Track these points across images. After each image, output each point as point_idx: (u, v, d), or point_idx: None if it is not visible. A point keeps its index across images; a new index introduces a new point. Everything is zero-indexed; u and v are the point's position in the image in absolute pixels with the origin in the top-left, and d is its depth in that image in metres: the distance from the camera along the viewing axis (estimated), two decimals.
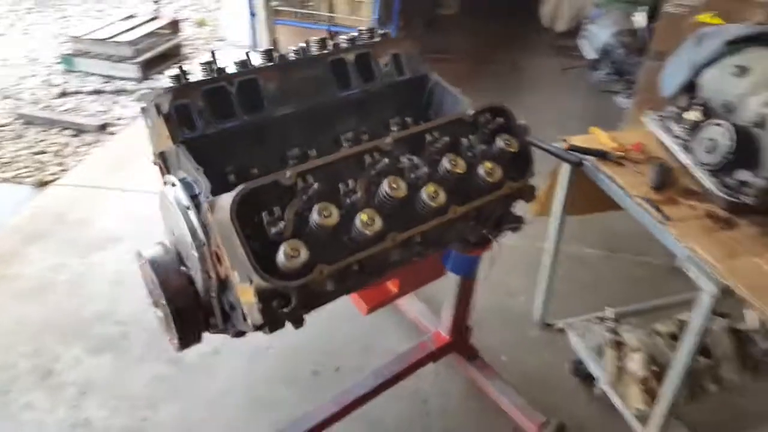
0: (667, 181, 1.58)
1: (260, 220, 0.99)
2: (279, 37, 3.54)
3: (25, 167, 3.28)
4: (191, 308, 1.16)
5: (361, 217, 1.01)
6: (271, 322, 1.02)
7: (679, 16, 2.86)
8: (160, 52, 4.61)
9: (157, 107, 1.17)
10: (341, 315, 2.28)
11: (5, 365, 2.06)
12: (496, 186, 1.21)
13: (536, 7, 5.74)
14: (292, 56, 1.36)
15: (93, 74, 4.41)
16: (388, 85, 1.44)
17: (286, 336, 2.14)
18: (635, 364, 1.84)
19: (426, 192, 1.09)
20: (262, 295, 0.96)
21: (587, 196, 1.87)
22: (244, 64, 1.30)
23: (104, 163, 3.31)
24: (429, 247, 1.20)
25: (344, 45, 1.42)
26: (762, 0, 2.62)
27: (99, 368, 2.06)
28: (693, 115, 1.60)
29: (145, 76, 4.43)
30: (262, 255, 0.96)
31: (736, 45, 1.61)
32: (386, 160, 1.11)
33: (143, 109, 1.27)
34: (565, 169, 1.78)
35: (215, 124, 1.21)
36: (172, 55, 4.81)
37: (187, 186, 1.11)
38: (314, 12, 3.82)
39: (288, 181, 1.01)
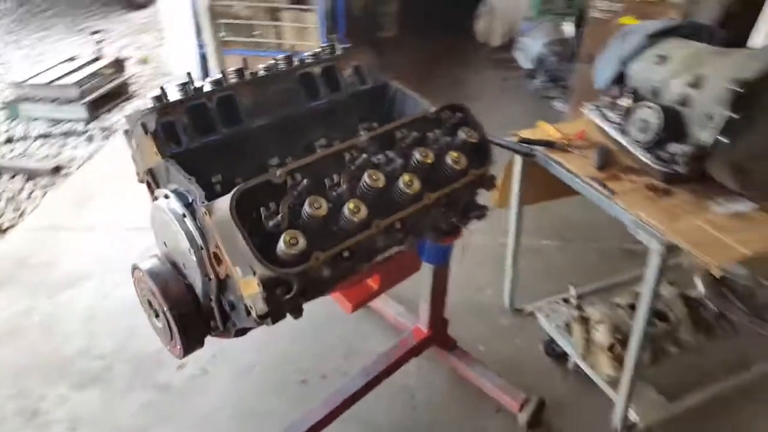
0: (609, 161, 1.75)
1: (256, 218, 1.08)
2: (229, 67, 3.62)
3: None
4: (192, 313, 1.23)
5: (349, 205, 1.11)
6: (274, 311, 1.10)
7: (603, 21, 3.13)
8: (106, 91, 4.60)
9: (144, 126, 1.24)
10: (322, 325, 2.37)
11: None
12: (462, 173, 1.33)
13: (471, 24, 6.04)
14: (262, 73, 1.47)
15: (38, 118, 4.35)
16: (353, 94, 1.56)
17: (271, 350, 2.23)
18: (600, 334, 1.99)
19: (402, 181, 1.21)
20: (267, 284, 1.04)
21: (540, 185, 2.03)
22: (218, 83, 1.39)
23: (61, 205, 3.27)
24: (408, 233, 1.31)
25: (309, 60, 1.54)
26: (675, 1, 2.91)
27: (86, 403, 2.05)
28: (625, 101, 1.79)
29: (93, 117, 4.41)
30: (260, 249, 1.05)
31: (655, 38, 1.82)
32: (364, 155, 1.22)
33: (126, 132, 1.35)
34: (518, 161, 1.94)
35: (199, 139, 1.30)
36: (119, 93, 4.80)
37: (180, 196, 1.19)
38: (262, 40, 3.93)
39: (279, 180, 1.11)
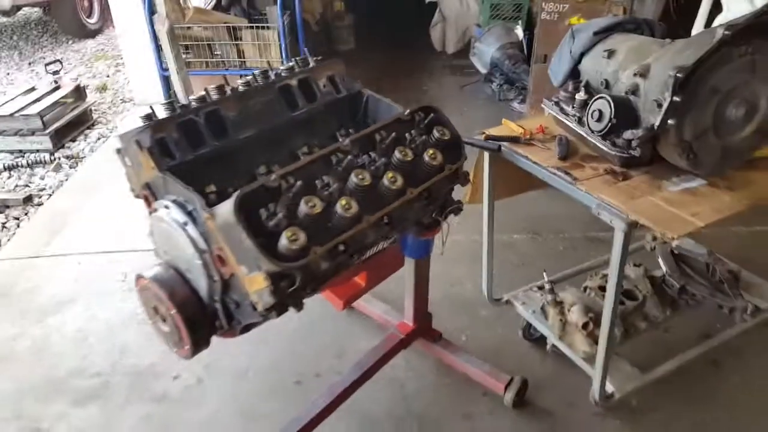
0: (571, 151, 1.89)
1: (256, 220, 1.16)
2: (194, 86, 3.68)
3: None
4: (199, 314, 1.30)
5: (341, 202, 1.21)
6: (279, 304, 1.18)
7: (553, 22, 3.31)
8: (68, 120, 4.59)
9: (139, 143, 1.31)
10: (311, 328, 2.45)
11: None
12: (439, 168, 1.45)
13: (426, 34, 6.23)
14: (241, 88, 1.56)
15: (2, 151, 4.31)
16: (329, 103, 1.65)
17: (263, 355, 2.30)
18: (574, 315, 2.12)
19: (387, 178, 1.31)
20: (273, 277, 1.13)
21: (508, 180, 2.16)
22: (203, 99, 1.48)
23: (38, 233, 3.27)
24: (394, 227, 1.41)
25: (285, 74, 1.63)
26: (618, 0, 3.12)
27: (86, 418, 2.08)
28: (580, 95, 1.93)
29: (58, 146, 4.40)
30: (263, 247, 1.13)
31: (602, 34, 1.98)
32: (349, 157, 1.32)
33: (119, 150, 1.41)
34: (486, 158, 2.06)
35: (191, 152, 1.37)
36: (82, 121, 4.79)
37: (179, 206, 1.27)
38: (224, 59, 4.00)
39: (274, 183, 1.20)
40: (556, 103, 2.04)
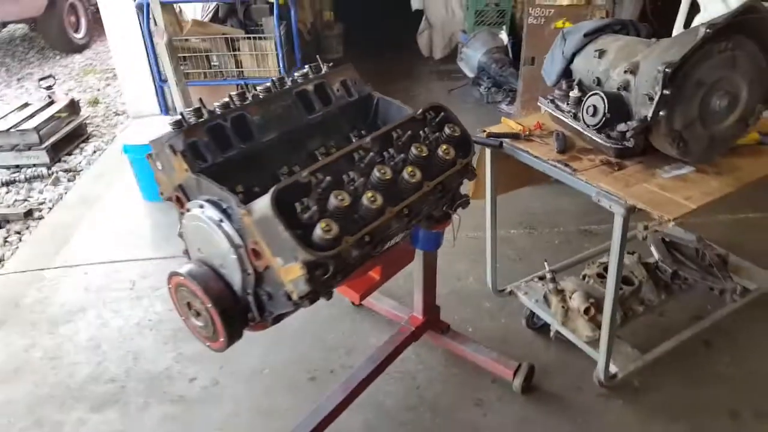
0: (568, 145, 2.01)
1: (289, 215, 1.25)
2: (193, 98, 3.74)
3: None
4: (233, 307, 1.38)
5: (367, 195, 1.30)
6: (313, 292, 1.27)
7: (539, 26, 3.45)
8: (64, 134, 4.62)
9: (172, 147, 1.39)
10: (320, 329, 2.52)
11: None
12: (452, 163, 1.55)
13: (413, 41, 6.36)
14: (261, 94, 1.64)
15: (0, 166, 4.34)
16: (343, 106, 1.75)
17: (276, 355, 2.37)
18: (576, 301, 2.23)
19: (407, 172, 1.41)
20: (309, 266, 1.21)
21: (508, 176, 2.28)
22: (226, 105, 1.56)
23: (42, 246, 3.31)
24: (412, 218, 1.51)
25: (300, 80, 1.73)
26: (600, 4, 3.26)
27: (106, 423, 2.13)
28: (574, 93, 2.05)
29: (55, 160, 4.43)
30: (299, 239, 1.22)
31: (592, 35, 2.10)
32: (371, 154, 1.41)
33: (150, 156, 1.49)
34: (487, 155, 2.17)
35: (220, 155, 1.46)
36: (77, 135, 4.83)
37: (214, 204, 1.35)
38: (222, 69, 4.08)
39: (305, 179, 1.29)
40: (552, 101, 2.16)
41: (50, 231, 3.48)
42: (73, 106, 4.93)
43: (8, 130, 4.29)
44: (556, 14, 3.41)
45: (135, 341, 2.53)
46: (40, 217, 3.69)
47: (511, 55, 5.19)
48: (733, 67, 1.74)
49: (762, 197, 3.21)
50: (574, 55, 2.14)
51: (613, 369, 2.10)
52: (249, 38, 4.00)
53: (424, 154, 1.47)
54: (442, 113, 1.63)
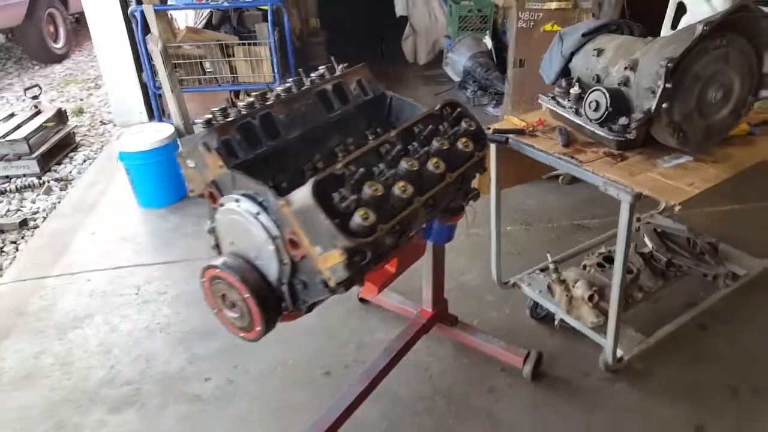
0: (571, 139, 2.10)
1: (326, 203, 1.31)
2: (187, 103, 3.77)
3: None
4: (269, 297, 1.42)
5: (398, 185, 1.37)
6: (349, 279, 1.32)
7: (528, 30, 3.57)
8: (53, 143, 4.59)
9: (206, 145, 1.44)
10: (330, 326, 2.57)
11: None
12: (471, 155, 1.62)
13: (397, 47, 6.46)
14: (282, 94, 1.70)
15: None
16: (359, 105, 1.82)
17: (288, 352, 2.41)
18: (579, 289, 2.32)
19: (431, 164, 1.48)
20: (348, 252, 1.27)
21: (511, 172, 2.36)
22: (251, 105, 1.61)
23: (40, 254, 3.29)
24: (435, 208, 1.58)
25: (318, 80, 1.79)
26: (586, 7, 3.39)
27: (126, 423, 2.14)
28: (575, 90, 2.15)
29: (45, 170, 4.40)
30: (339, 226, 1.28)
31: (590, 35, 2.20)
32: (398, 147, 1.48)
33: (179, 155, 1.53)
34: (493, 151, 2.25)
35: (250, 151, 1.51)
36: (66, 144, 4.79)
37: (250, 198, 1.40)
38: (216, 76, 4.11)
39: (339, 171, 1.35)
40: (553, 98, 2.25)
41: (47, 240, 3.46)
42: (60, 116, 4.89)
43: None
44: (544, 18, 3.53)
45: (146, 344, 2.54)
46: (35, 227, 3.67)
47: (495, 59, 5.31)
48: (727, 62, 1.86)
49: (745, 190, 3.36)
50: (572, 54, 2.24)
51: (618, 352, 2.19)
52: (243, 44, 4.04)
53: (445, 147, 1.54)
54: (459, 109, 1.71)
